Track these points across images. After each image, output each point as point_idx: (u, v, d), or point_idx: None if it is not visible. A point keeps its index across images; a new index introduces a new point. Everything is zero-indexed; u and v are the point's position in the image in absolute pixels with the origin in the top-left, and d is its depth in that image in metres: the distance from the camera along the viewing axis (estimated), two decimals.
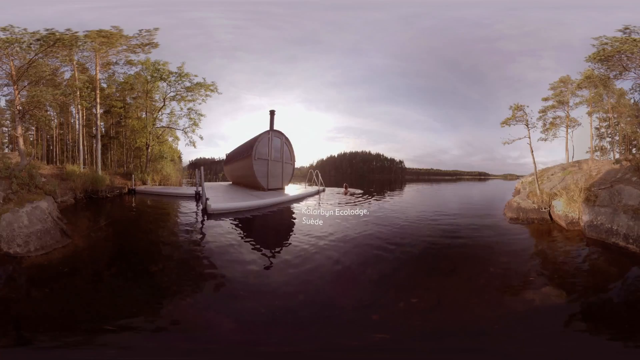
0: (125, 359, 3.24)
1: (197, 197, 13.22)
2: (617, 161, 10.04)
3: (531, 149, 10.07)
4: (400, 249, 6.53)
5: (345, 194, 17.60)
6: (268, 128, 16.64)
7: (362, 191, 19.80)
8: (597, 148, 16.35)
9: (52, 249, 5.88)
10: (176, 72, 18.17)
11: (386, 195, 17.96)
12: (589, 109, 15.88)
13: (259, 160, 15.83)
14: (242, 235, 7.36)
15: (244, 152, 17.31)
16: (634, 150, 15.75)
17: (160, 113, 19.34)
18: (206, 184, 18.78)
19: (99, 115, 17.14)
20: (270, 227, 9.34)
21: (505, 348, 3.45)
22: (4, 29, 10.81)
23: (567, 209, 8.05)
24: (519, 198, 10.14)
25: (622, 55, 11.45)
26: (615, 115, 15.49)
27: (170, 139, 22.28)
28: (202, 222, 8.74)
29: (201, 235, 7.43)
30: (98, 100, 16.53)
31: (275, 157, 17.08)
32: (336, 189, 20.86)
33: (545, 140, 16.96)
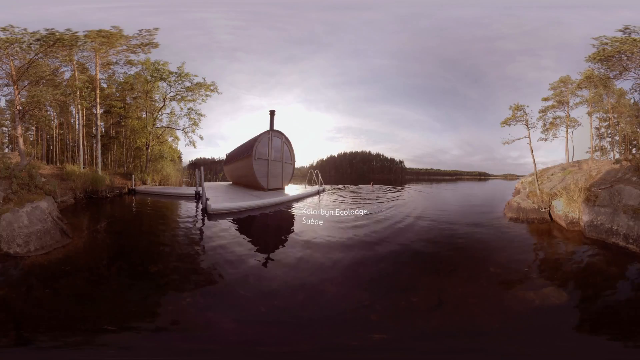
0: (125, 359, 3.24)
1: (197, 197, 13.21)
2: (617, 161, 10.04)
3: (531, 149, 10.07)
4: (400, 248, 6.53)
5: (372, 186, 24.37)
6: (268, 128, 16.65)
7: (387, 186, 24.64)
8: (597, 148, 16.35)
9: (52, 249, 5.88)
10: (176, 72, 18.15)
11: (393, 192, 17.99)
12: (589, 109, 15.88)
13: (259, 160, 15.82)
14: (242, 235, 7.36)
15: (244, 152, 17.30)
16: (634, 150, 15.73)
17: (160, 113, 19.33)
18: (206, 184, 18.77)
19: (99, 115, 17.13)
20: (270, 227, 9.33)
21: (505, 348, 3.45)
22: (4, 29, 10.80)
23: (567, 209, 8.05)
24: (519, 198, 10.14)
25: (622, 55, 11.45)
26: (615, 115, 15.48)
27: (170, 139, 22.27)
28: (202, 222, 8.74)
29: (201, 235, 7.43)
30: (98, 100, 16.51)
31: (275, 157, 17.07)
32: (341, 186, 25.41)
33: (545, 140, 16.94)
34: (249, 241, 6.88)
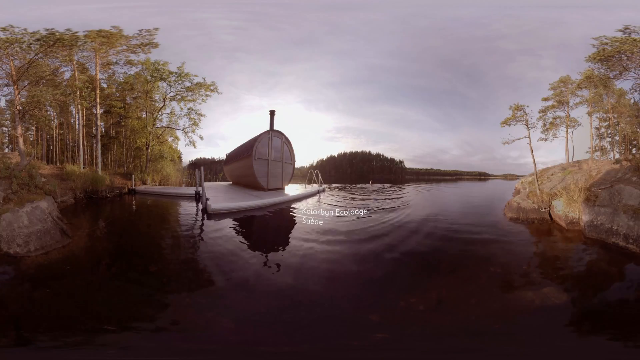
0: (125, 359, 3.24)
1: (197, 197, 13.22)
2: (617, 161, 10.04)
3: (531, 149, 10.06)
4: (400, 248, 6.53)
5: (372, 184, 25.50)
6: (268, 128, 16.66)
7: (383, 184, 25.83)
8: (597, 148, 16.32)
9: (52, 249, 5.88)
10: (176, 72, 18.15)
11: (391, 192, 17.99)
12: (589, 109, 15.85)
13: (259, 160, 15.82)
14: (242, 236, 7.36)
15: (244, 152, 17.31)
16: (634, 150, 15.71)
17: (160, 113, 19.32)
18: (206, 184, 18.77)
19: (99, 115, 17.13)
20: (270, 227, 9.33)
21: (505, 348, 3.45)
22: (4, 29, 10.80)
23: (567, 209, 8.04)
24: (519, 198, 10.13)
25: (622, 55, 11.44)
26: (615, 115, 15.47)
27: (170, 139, 22.24)
28: (202, 222, 8.74)
29: (201, 235, 7.43)
30: (98, 100, 16.51)
31: (275, 157, 17.08)
32: (342, 185, 26.56)
33: (545, 140, 16.88)
34: (248, 241, 6.88)
